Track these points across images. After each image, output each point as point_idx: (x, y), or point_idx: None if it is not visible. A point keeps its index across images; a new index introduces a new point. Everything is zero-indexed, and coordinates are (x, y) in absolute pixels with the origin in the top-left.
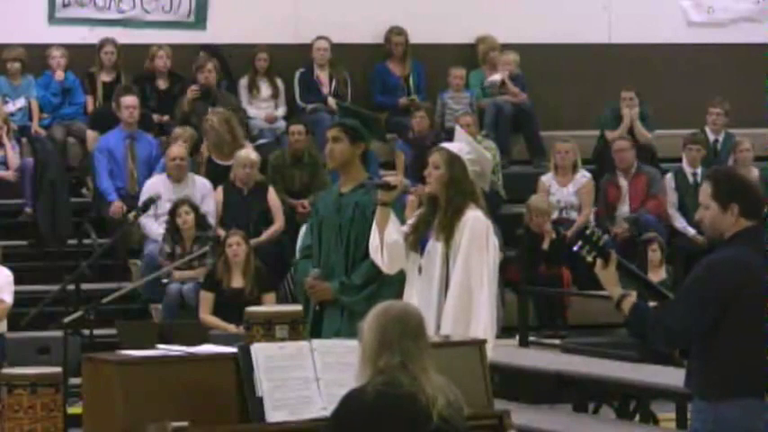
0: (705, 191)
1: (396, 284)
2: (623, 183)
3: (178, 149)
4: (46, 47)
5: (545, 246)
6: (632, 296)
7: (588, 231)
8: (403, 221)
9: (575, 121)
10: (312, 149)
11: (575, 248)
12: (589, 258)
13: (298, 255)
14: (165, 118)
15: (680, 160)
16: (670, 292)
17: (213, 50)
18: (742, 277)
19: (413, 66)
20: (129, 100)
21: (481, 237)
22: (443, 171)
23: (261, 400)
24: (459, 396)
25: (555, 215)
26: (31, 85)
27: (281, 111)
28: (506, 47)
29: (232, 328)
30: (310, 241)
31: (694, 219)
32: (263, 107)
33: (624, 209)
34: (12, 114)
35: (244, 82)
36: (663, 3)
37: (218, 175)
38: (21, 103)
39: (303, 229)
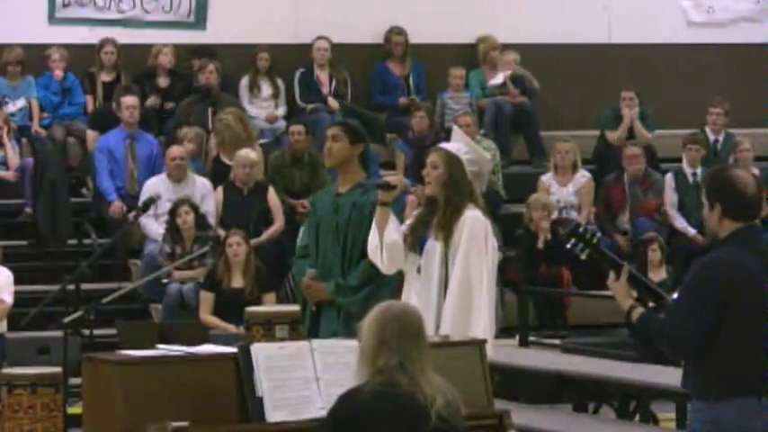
0: (702, 190)
1: (392, 285)
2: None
3: (178, 149)
4: (46, 47)
5: (539, 245)
6: (640, 307)
7: (581, 229)
8: (402, 221)
9: (575, 121)
10: (312, 149)
11: (568, 246)
12: (582, 256)
13: (296, 254)
14: (171, 105)
15: (680, 160)
16: (670, 292)
17: (210, 53)
18: (738, 276)
19: (413, 66)
20: (130, 100)
21: (480, 236)
22: (442, 171)
23: (261, 400)
24: (457, 396)
25: (555, 215)
26: (30, 86)
27: (282, 111)
28: (506, 47)
29: (232, 328)
30: (307, 240)
31: (697, 218)
32: (263, 107)
33: (626, 216)
34: (12, 115)
35: (244, 82)
36: (663, 3)
37: (225, 174)
38: (21, 103)
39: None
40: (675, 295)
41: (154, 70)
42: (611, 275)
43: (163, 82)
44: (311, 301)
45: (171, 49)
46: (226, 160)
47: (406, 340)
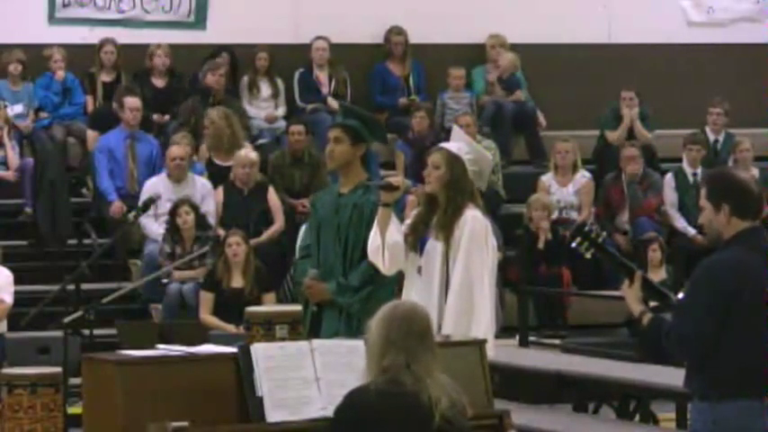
0: (701, 193)
1: (392, 286)
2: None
3: (178, 149)
4: (46, 47)
5: (540, 245)
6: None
7: (586, 228)
8: (402, 221)
9: (575, 121)
10: (312, 149)
11: (573, 244)
12: (587, 255)
13: (297, 254)
14: (166, 118)
15: (680, 160)
16: (671, 292)
17: (227, 51)
18: (741, 277)
19: (413, 66)
20: (133, 101)
21: (481, 236)
22: (444, 171)
23: (261, 400)
24: (463, 398)
25: (555, 215)
26: (30, 91)
27: (281, 111)
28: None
29: (232, 328)
30: (309, 241)
31: (698, 221)
32: (263, 107)
33: (626, 216)
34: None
35: (244, 82)
36: (663, 3)
37: (217, 175)
38: (19, 108)
39: (303, 228)
40: (680, 296)
41: (150, 70)
42: (626, 282)
43: (159, 83)
44: (312, 301)
45: (165, 49)
46: (217, 161)
47: (412, 340)
